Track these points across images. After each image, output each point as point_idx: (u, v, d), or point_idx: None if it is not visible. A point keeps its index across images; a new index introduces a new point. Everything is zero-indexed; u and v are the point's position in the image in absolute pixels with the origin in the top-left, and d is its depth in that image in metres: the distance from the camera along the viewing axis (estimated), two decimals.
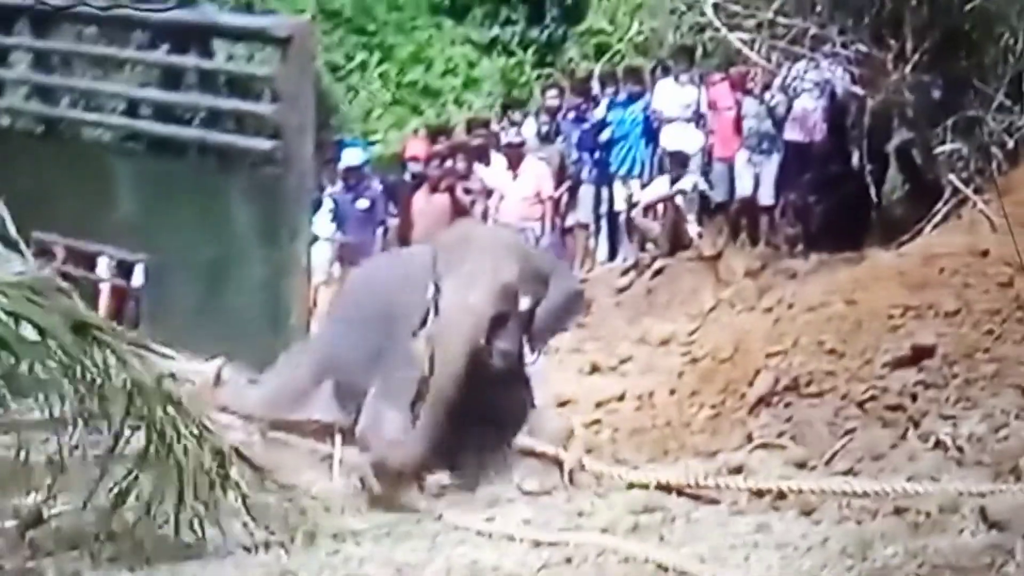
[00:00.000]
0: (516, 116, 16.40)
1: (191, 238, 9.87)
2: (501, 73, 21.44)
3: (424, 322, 7.37)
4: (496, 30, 21.90)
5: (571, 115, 15.74)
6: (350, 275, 8.70)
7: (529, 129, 15.70)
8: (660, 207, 14.68)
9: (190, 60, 10.25)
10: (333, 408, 8.04)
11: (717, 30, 14.28)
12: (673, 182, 14.57)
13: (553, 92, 16.31)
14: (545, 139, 15.42)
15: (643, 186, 14.96)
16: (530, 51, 21.74)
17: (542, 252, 8.45)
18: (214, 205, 9.77)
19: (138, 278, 10.72)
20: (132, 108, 11.16)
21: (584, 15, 21.27)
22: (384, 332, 7.65)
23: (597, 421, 8.96)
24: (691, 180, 14.70)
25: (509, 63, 21.60)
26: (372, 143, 17.72)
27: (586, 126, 15.46)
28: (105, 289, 11.56)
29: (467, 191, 14.41)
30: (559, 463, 7.40)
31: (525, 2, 22.20)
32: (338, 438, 7.72)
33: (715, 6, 14.22)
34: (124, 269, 11.12)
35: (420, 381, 7.34)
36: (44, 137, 11.09)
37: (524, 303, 7.45)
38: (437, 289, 7.32)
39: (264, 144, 9.65)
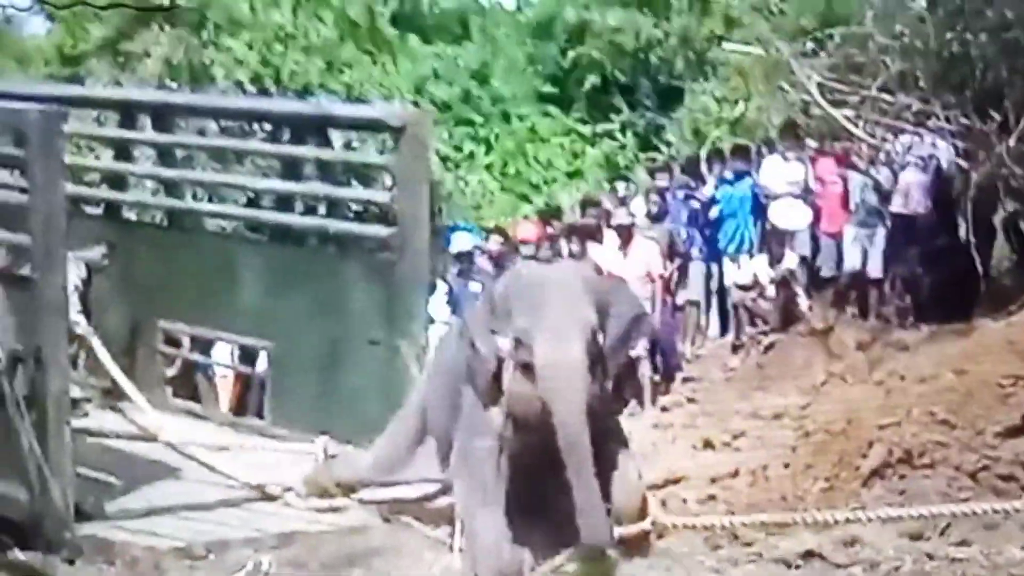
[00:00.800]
0: (625, 195, 16.59)
1: (311, 323, 10.04)
2: (606, 158, 21.65)
3: (498, 376, 7.20)
4: (599, 117, 22.14)
5: (680, 194, 15.90)
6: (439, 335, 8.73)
7: (639, 208, 15.89)
8: (769, 283, 14.79)
9: (309, 151, 10.48)
10: (434, 466, 8.06)
11: (821, 107, 14.47)
12: (780, 259, 14.70)
13: (663, 174, 16.50)
14: (654, 218, 15.57)
15: (752, 261, 15.08)
16: (632, 135, 21.95)
17: (602, 278, 8.14)
18: (333, 291, 9.93)
19: (261, 364, 10.95)
20: (253, 198, 11.44)
21: (681, 100, 21.51)
22: (454, 389, 7.63)
23: (712, 497, 9.02)
24: (797, 256, 14.82)
25: (614, 148, 21.82)
26: (483, 228, 17.95)
27: (695, 204, 15.61)
28: (228, 375, 11.81)
29: None
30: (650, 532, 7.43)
31: (624, 91, 22.44)
32: (458, 523, 7.61)
33: (819, 84, 14.42)
34: (248, 355, 11.37)
35: (499, 446, 7.26)
36: (169, 229, 11.36)
37: (600, 338, 7.25)
38: (519, 343, 7.04)
39: (382, 231, 9.83)
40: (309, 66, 21.10)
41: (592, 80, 22.74)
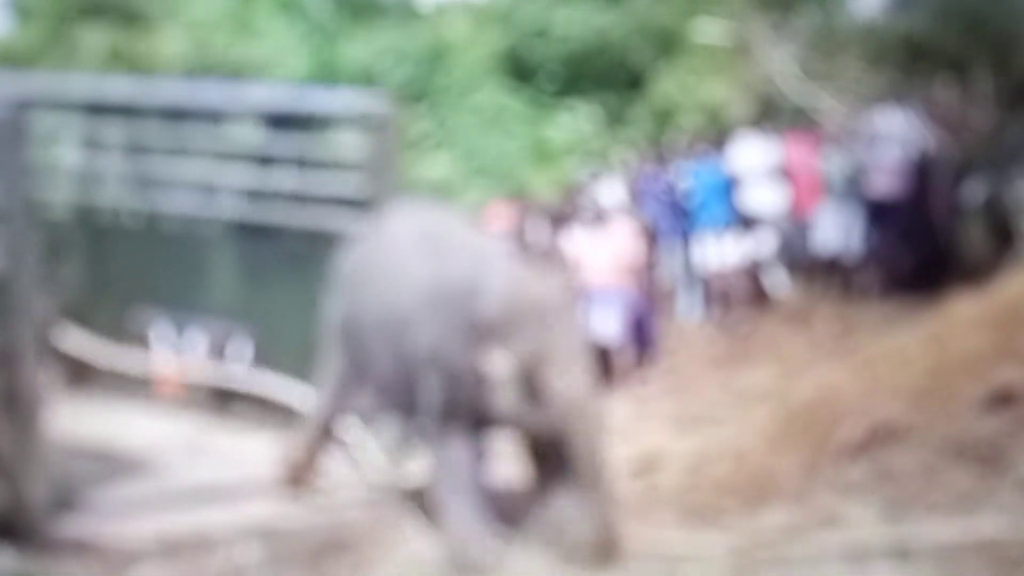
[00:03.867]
0: (599, 179, 16.57)
1: (285, 317, 10.02)
2: (572, 141, 21.49)
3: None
4: (565, 98, 21.97)
5: (652, 177, 15.89)
6: (357, 250, 8.41)
7: (611, 193, 15.86)
8: (743, 265, 14.80)
9: (281, 144, 10.41)
10: (377, 396, 8.14)
11: (794, 87, 14.47)
12: (755, 240, 14.71)
13: (630, 155, 16.44)
14: (628, 202, 15.55)
15: (726, 244, 15.08)
16: (602, 118, 21.81)
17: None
18: (307, 285, 9.88)
19: (244, 358, 10.86)
20: (229, 192, 11.32)
21: (651, 82, 21.41)
22: (408, 360, 7.45)
23: (689, 475, 9.03)
24: (771, 238, 14.83)
25: (582, 129, 21.67)
26: None
27: (667, 187, 15.60)
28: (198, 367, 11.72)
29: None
30: None
31: (589, 80, 22.29)
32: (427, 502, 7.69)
33: (792, 65, 14.43)
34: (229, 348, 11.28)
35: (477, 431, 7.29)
36: (144, 226, 11.28)
37: None
38: (524, 367, 6.91)
39: (355, 223, 9.78)
40: (251, 53, 20.93)
41: (553, 71, 22.60)
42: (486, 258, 7.45)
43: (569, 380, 6.91)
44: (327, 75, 20.49)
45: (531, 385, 6.92)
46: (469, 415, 7.19)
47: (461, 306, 7.12)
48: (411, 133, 20.36)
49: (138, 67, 19.91)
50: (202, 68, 20.14)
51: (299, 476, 8.54)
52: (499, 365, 6.95)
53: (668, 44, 21.29)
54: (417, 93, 21.56)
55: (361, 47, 22.13)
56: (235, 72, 19.71)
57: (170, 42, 21.47)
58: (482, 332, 7.00)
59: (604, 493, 7.00)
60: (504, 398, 7.00)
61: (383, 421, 8.76)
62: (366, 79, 20.75)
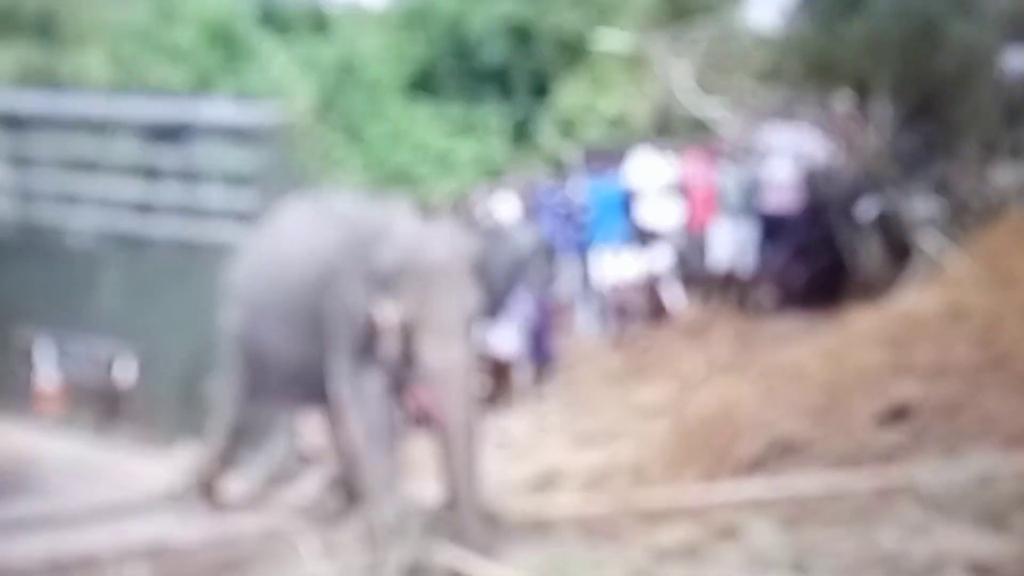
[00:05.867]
0: (493, 195, 16.47)
1: (177, 331, 9.88)
2: (477, 153, 21.38)
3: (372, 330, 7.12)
4: (468, 110, 21.87)
5: (549, 191, 15.83)
6: (247, 252, 8.31)
7: (506, 207, 15.77)
8: (640, 280, 14.78)
9: (171, 156, 10.26)
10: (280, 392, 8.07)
11: (691, 102, 14.49)
12: (652, 255, 14.69)
13: (521, 173, 16.33)
14: (524, 216, 15.46)
15: (623, 259, 15.04)
16: (504, 130, 21.72)
17: (478, 237, 7.92)
18: (199, 298, 9.74)
19: (130, 375, 10.71)
20: (114, 206, 11.13)
21: (552, 95, 21.36)
22: (310, 320, 7.42)
23: (590, 492, 8.99)
24: (667, 253, 14.82)
25: (485, 142, 21.56)
26: None
27: (564, 202, 15.54)
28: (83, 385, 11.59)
29: None
30: None
31: (495, 82, 22.20)
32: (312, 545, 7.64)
33: (689, 78, 14.45)
34: (116, 365, 11.12)
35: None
36: (26, 240, 11.08)
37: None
38: (404, 323, 7.02)
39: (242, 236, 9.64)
40: (170, 73, 20.68)
41: (461, 69, 22.49)
42: (394, 215, 7.56)
43: (443, 351, 7.00)
44: (243, 90, 20.28)
45: (408, 345, 7.03)
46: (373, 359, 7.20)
47: (365, 252, 7.18)
48: (319, 143, 20.21)
49: (54, 84, 19.57)
50: (121, 87, 19.86)
51: (207, 488, 8.43)
52: (387, 315, 7.03)
53: (573, 53, 21.22)
54: (327, 103, 21.39)
55: (273, 58, 21.93)
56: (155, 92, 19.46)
57: (89, 60, 21.15)
58: (377, 281, 7.09)
59: (463, 476, 7.07)
60: (388, 348, 7.07)
61: (285, 425, 8.71)
62: (277, 91, 20.57)
